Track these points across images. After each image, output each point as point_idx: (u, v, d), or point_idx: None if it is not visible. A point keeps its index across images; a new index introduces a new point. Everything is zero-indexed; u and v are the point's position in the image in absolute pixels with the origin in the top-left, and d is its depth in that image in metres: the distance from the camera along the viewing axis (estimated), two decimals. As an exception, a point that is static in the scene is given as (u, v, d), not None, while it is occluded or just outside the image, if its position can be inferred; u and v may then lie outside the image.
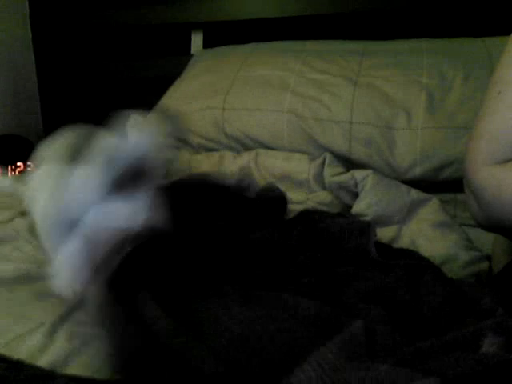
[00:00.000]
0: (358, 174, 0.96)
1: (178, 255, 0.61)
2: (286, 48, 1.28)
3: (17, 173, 1.32)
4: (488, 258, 0.81)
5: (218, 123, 1.13)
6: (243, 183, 0.99)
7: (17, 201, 0.87)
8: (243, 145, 1.12)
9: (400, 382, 0.36)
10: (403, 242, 0.85)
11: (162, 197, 0.57)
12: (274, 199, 0.86)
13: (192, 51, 1.57)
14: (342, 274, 0.62)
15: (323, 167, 1.01)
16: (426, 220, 0.89)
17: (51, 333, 0.51)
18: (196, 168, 1.10)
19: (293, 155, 1.05)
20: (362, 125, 1.03)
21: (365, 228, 0.72)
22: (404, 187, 0.95)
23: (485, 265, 0.79)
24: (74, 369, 0.47)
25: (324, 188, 0.99)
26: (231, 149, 1.13)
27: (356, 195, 0.96)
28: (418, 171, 0.99)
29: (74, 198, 0.50)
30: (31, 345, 0.48)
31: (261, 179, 1.04)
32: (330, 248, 0.70)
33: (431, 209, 0.92)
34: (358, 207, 0.91)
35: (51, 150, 0.54)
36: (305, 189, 1.00)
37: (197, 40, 1.58)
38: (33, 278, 0.61)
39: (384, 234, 0.85)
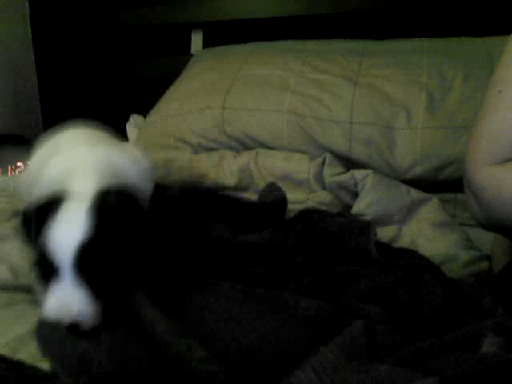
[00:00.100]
0: (358, 174, 0.96)
1: (177, 255, 0.62)
2: (287, 48, 1.27)
3: (17, 173, 1.32)
4: (488, 257, 0.81)
5: (218, 123, 1.13)
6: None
7: (15, 200, 0.87)
8: (243, 144, 1.12)
9: (400, 381, 0.36)
10: (403, 242, 0.85)
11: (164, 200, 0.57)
12: (274, 202, 0.86)
13: (192, 51, 1.57)
14: (342, 274, 0.62)
15: (323, 167, 1.01)
16: (425, 220, 0.89)
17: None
18: (196, 168, 1.10)
19: (293, 155, 1.05)
20: (361, 125, 1.03)
21: (365, 227, 0.72)
22: (404, 187, 0.95)
23: (485, 265, 0.79)
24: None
25: (324, 188, 0.99)
26: (231, 148, 1.13)
27: (356, 195, 0.96)
28: (418, 171, 0.99)
29: None
30: (31, 345, 0.48)
31: (261, 179, 1.04)
32: (329, 247, 0.70)
33: (431, 208, 0.92)
34: (358, 207, 0.91)
35: None
36: (305, 189, 1.00)
37: (197, 40, 1.58)
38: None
39: (384, 233, 0.85)
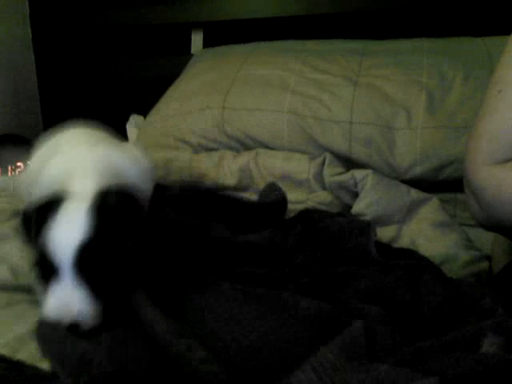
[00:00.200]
0: (358, 174, 0.96)
1: (177, 255, 0.62)
2: (287, 48, 1.27)
3: (17, 173, 1.32)
4: (488, 257, 0.81)
5: (218, 123, 1.13)
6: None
7: (15, 200, 0.87)
8: (243, 144, 1.12)
9: (400, 382, 0.36)
10: (403, 242, 0.85)
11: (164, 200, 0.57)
12: (274, 202, 0.86)
13: (192, 51, 1.57)
14: (342, 274, 0.62)
15: (323, 167, 1.01)
16: (425, 220, 0.89)
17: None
18: (196, 168, 1.10)
19: (293, 155, 1.05)
20: (361, 125, 1.03)
21: (365, 227, 0.72)
22: (404, 187, 0.95)
23: (485, 264, 0.79)
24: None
25: (324, 188, 0.99)
26: (231, 148, 1.13)
27: (356, 195, 0.96)
28: (418, 171, 0.99)
29: None
30: (31, 345, 0.48)
31: (261, 179, 1.04)
32: (329, 247, 0.70)
33: (431, 208, 0.92)
34: (358, 207, 0.91)
35: None
36: (305, 189, 1.00)
37: (197, 40, 1.58)
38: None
39: (384, 233, 0.85)
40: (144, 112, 1.34)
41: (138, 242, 0.52)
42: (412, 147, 0.99)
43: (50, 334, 0.44)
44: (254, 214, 0.83)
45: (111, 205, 0.51)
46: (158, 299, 0.48)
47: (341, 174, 0.98)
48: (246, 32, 1.48)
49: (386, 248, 0.73)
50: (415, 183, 0.98)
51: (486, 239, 0.82)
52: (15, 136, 1.51)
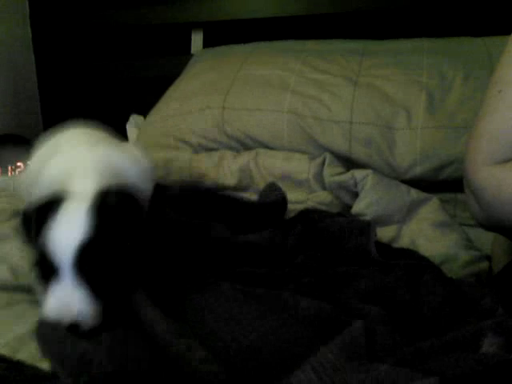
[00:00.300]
0: (358, 174, 0.96)
1: (177, 255, 0.62)
2: (287, 48, 1.27)
3: (17, 173, 1.32)
4: (488, 257, 0.81)
5: (218, 123, 1.13)
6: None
7: (15, 200, 0.87)
8: (243, 144, 1.12)
9: (400, 382, 0.36)
10: (403, 242, 0.85)
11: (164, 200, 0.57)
12: (274, 202, 0.86)
13: (192, 51, 1.57)
14: (342, 274, 0.62)
15: (323, 167, 1.01)
16: (425, 220, 0.89)
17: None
18: (196, 168, 1.10)
19: (293, 155, 1.05)
20: (361, 125, 1.03)
21: (365, 227, 0.72)
22: (404, 187, 0.95)
23: (485, 264, 0.79)
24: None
25: (324, 188, 0.99)
26: (231, 148, 1.13)
27: (356, 195, 0.96)
28: (418, 171, 0.99)
29: None
30: (31, 345, 0.48)
31: (261, 179, 1.04)
32: (329, 247, 0.70)
33: (431, 208, 0.92)
34: (358, 207, 0.91)
35: None
36: (305, 189, 1.00)
37: (197, 40, 1.58)
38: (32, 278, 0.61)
39: (384, 233, 0.85)
40: (144, 112, 1.34)
41: (138, 242, 0.52)
42: (412, 147, 0.99)
43: (50, 333, 0.44)
44: (253, 213, 0.83)
45: (111, 205, 0.51)
46: (158, 299, 0.48)
47: (341, 174, 0.98)
48: (246, 32, 1.48)
49: (385, 248, 0.73)
50: (415, 183, 0.98)
51: (486, 239, 0.82)
52: (15, 136, 1.51)
